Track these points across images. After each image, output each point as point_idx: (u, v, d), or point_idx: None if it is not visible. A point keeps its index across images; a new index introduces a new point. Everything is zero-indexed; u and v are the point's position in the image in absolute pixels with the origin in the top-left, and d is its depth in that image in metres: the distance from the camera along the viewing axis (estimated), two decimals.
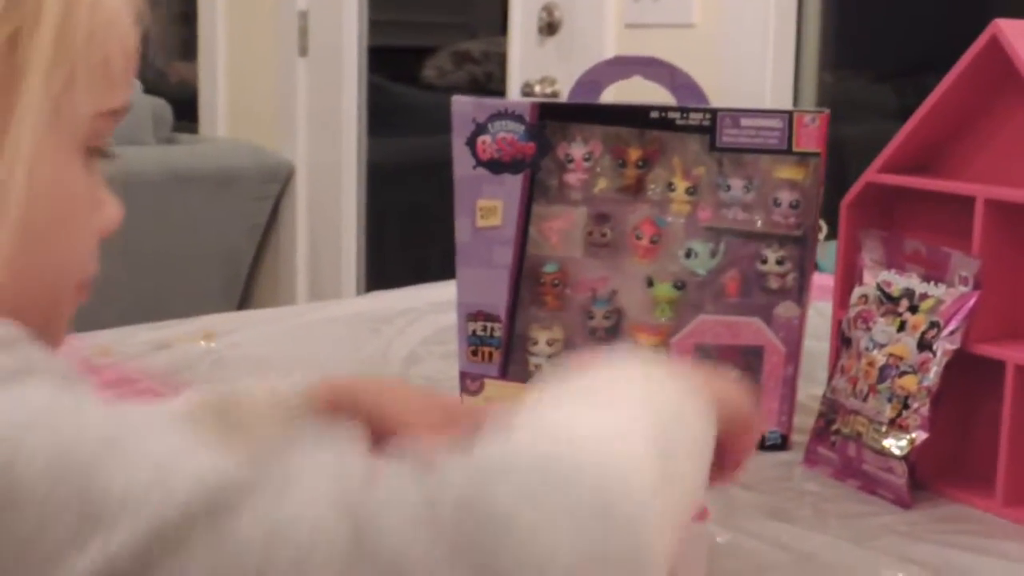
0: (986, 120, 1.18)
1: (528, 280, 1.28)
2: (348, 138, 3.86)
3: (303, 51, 3.93)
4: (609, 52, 3.06)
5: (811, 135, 1.21)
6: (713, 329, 1.25)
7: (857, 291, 1.20)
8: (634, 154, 1.24)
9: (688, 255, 1.24)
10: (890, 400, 1.13)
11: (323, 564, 0.57)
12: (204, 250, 3.81)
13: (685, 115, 1.23)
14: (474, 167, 1.26)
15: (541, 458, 0.60)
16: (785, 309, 1.24)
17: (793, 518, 1.09)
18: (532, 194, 1.26)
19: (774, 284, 1.24)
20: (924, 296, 1.14)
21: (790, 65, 3.22)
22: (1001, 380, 1.09)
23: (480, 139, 1.26)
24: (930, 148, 1.20)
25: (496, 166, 1.26)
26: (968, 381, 1.13)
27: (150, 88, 3.71)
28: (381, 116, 3.96)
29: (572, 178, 1.26)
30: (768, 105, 2.97)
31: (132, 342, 1.58)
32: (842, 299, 1.24)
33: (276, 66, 4.02)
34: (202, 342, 1.60)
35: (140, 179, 3.41)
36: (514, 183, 1.26)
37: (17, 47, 0.68)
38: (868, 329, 1.17)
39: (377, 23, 3.89)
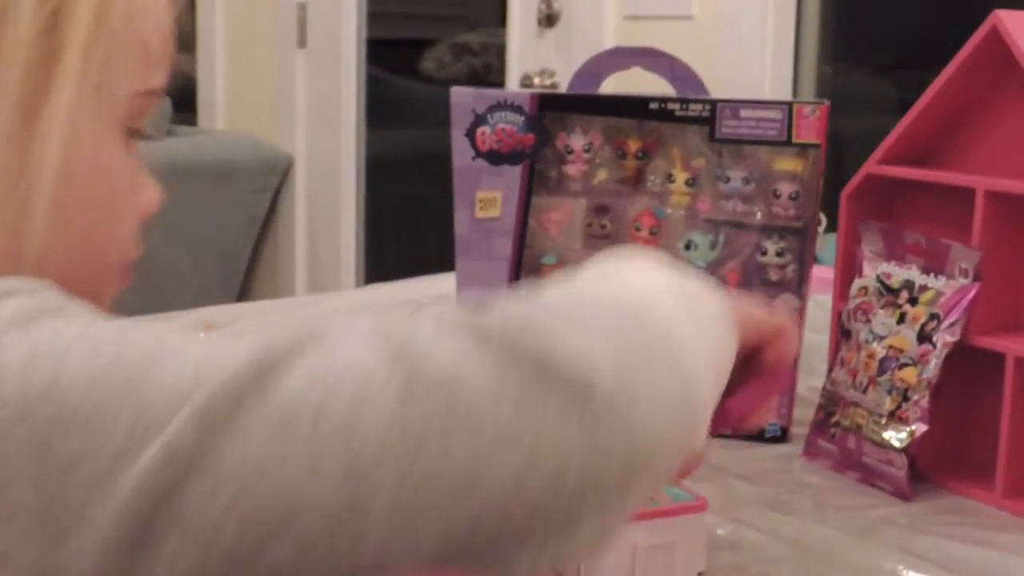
0: (986, 111, 1.17)
1: (527, 272, 1.27)
2: (347, 130, 3.86)
3: (302, 43, 3.92)
4: (608, 44, 3.06)
5: (811, 126, 1.21)
6: None
7: (857, 283, 1.19)
8: (633, 145, 1.24)
9: (688, 247, 1.24)
10: (890, 392, 1.12)
11: (377, 402, 0.58)
12: (203, 242, 3.81)
13: (685, 106, 1.23)
14: (473, 158, 1.26)
15: (572, 294, 0.66)
16: (785, 301, 1.24)
17: (793, 510, 1.09)
18: (531, 185, 1.26)
19: (774, 276, 1.24)
20: (924, 288, 1.13)
21: (789, 58, 3.22)
22: (1001, 372, 1.09)
23: (479, 130, 1.26)
24: (930, 139, 1.20)
25: (495, 157, 1.26)
26: (968, 373, 1.13)
27: None
28: (380, 108, 3.95)
29: (571, 169, 1.25)
30: (767, 98, 2.97)
31: None
32: (842, 291, 1.23)
33: (275, 58, 4.01)
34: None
35: None
36: (513, 174, 1.26)
37: (57, 26, 0.70)
38: (868, 321, 1.17)
39: (376, 15, 3.88)
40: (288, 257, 4.05)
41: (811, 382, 1.30)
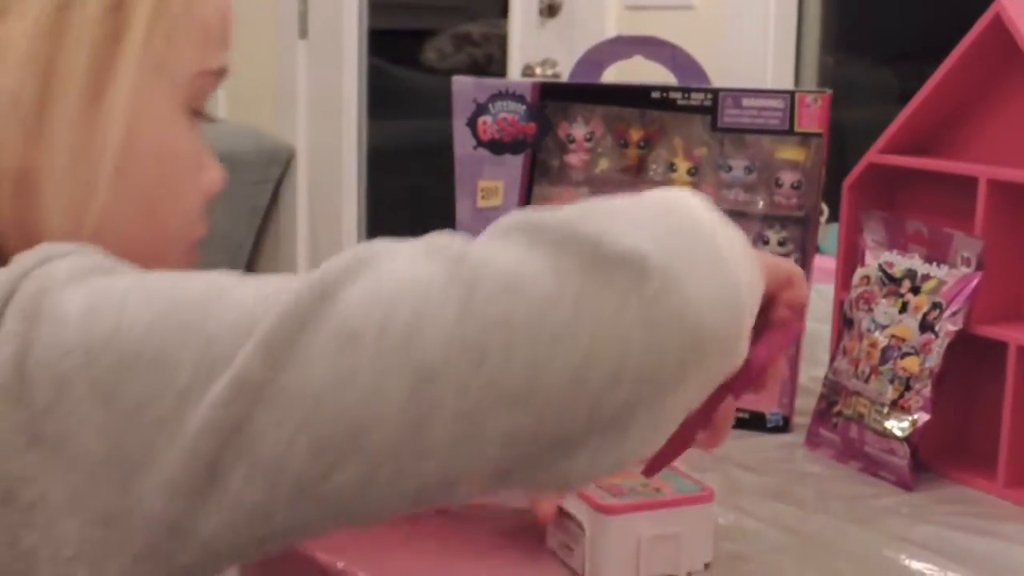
0: (989, 100, 1.17)
1: None
2: (348, 121, 3.85)
3: (303, 33, 3.92)
4: (610, 34, 3.05)
5: (813, 115, 1.21)
6: None
7: (859, 272, 1.19)
8: (635, 134, 1.24)
9: None
10: (892, 382, 1.12)
11: (438, 312, 0.59)
12: (205, 233, 3.80)
13: (686, 95, 1.22)
14: (475, 147, 1.26)
15: (621, 202, 0.66)
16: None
17: (795, 500, 1.09)
18: (533, 175, 1.26)
19: None
20: (926, 277, 1.13)
21: (791, 48, 3.22)
22: (1003, 361, 1.09)
23: (481, 119, 1.26)
24: (933, 128, 1.20)
25: (497, 146, 1.26)
26: (970, 362, 1.13)
27: None
28: (381, 99, 3.95)
29: (573, 159, 1.25)
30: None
31: None
32: (844, 280, 1.23)
33: (276, 49, 4.01)
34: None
35: None
36: (515, 163, 1.26)
37: (121, 5, 0.72)
38: (870, 310, 1.16)
39: (377, 5, 3.88)
40: (290, 248, 4.05)
41: (813, 372, 1.30)
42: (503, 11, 3.49)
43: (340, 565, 0.95)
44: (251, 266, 4.06)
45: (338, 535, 0.97)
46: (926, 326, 1.11)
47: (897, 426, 1.11)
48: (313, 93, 3.92)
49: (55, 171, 0.72)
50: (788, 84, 3.07)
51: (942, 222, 1.14)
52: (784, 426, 1.26)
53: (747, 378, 0.74)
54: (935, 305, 1.11)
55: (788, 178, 1.22)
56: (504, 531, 0.99)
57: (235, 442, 0.59)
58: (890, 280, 1.16)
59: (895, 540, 1.00)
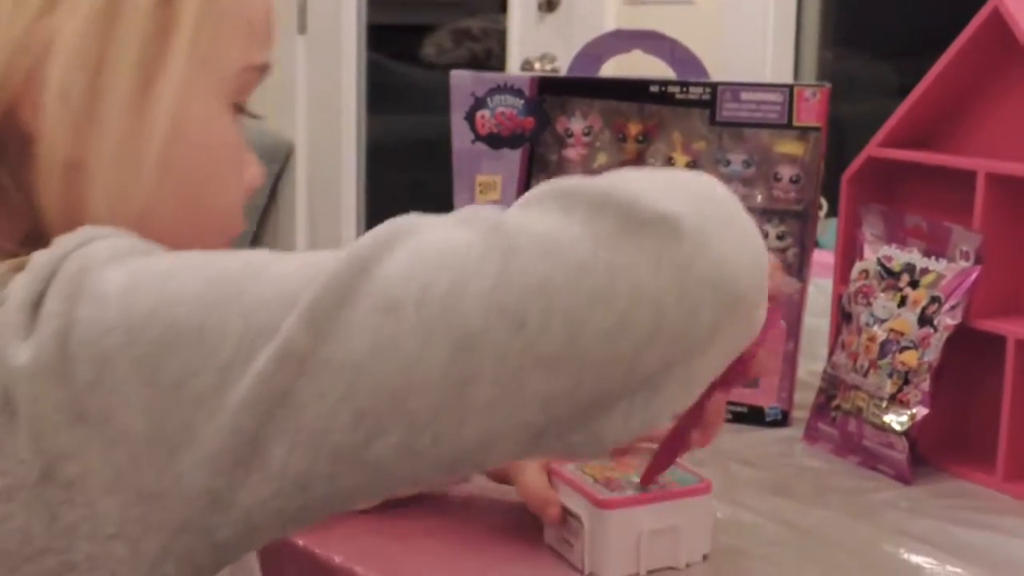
0: (988, 94, 1.17)
1: None
2: (347, 116, 3.85)
3: (302, 28, 3.91)
4: (609, 28, 3.04)
5: (812, 109, 1.21)
6: None
7: (858, 266, 1.19)
8: (634, 128, 1.24)
9: None
10: (891, 376, 1.12)
11: (477, 276, 0.60)
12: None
13: (685, 89, 1.22)
14: (473, 142, 1.26)
15: (645, 173, 0.68)
16: (786, 284, 1.23)
17: (794, 494, 1.09)
18: (531, 169, 1.26)
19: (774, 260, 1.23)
20: (925, 271, 1.13)
21: (790, 43, 3.21)
22: (1002, 355, 1.09)
23: (479, 114, 1.25)
24: (931, 122, 1.20)
25: (495, 141, 1.25)
26: (969, 356, 1.13)
27: None
28: (380, 94, 3.95)
29: (572, 153, 1.25)
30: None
31: None
32: (842, 274, 1.23)
33: (275, 44, 4.00)
34: None
35: None
36: (513, 158, 1.25)
37: (170, 1, 0.74)
38: (869, 304, 1.16)
39: (376, 0, 3.87)
40: (289, 243, 4.04)
41: (812, 366, 1.30)
42: (502, 6, 3.48)
43: (338, 560, 0.95)
44: None
45: (335, 531, 0.98)
46: (925, 320, 1.11)
47: (896, 420, 1.11)
48: (312, 88, 3.92)
49: (103, 163, 0.73)
50: (787, 79, 3.06)
51: (941, 216, 1.14)
52: (783, 420, 1.25)
53: (736, 371, 0.74)
54: (934, 299, 1.11)
55: (787, 172, 1.22)
56: (501, 526, 0.99)
57: (278, 414, 0.60)
58: (889, 274, 1.16)
59: (894, 534, 1.00)
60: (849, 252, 1.22)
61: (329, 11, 3.84)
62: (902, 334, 1.12)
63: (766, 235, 1.22)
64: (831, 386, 1.19)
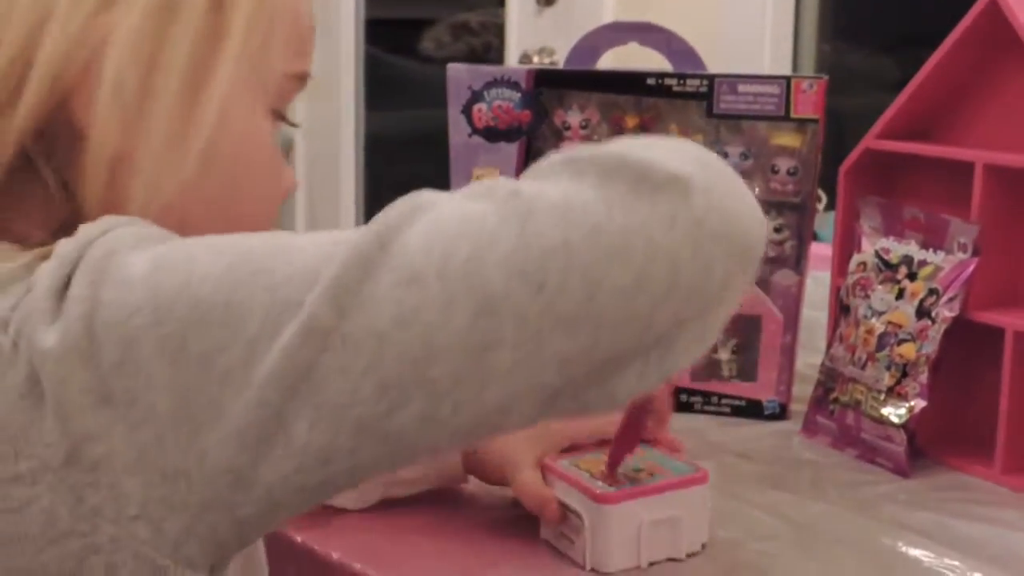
0: (985, 85, 1.17)
1: None
2: (346, 110, 3.84)
3: None
4: (607, 21, 3.05)
5: (809, 101, 1.20)
6: None
7: (855, 258, 1.19)
8: (631, 121, 1.23)
9: None
10: (889, 368, 1.12)
11: (496, 242, 0.61)
12: None
13: (682, 82, 1.22)
14: (470, 135, 1.26)
15: (648, 140, 0.69)
16: (783, 277, 1.23)
17: (792, 487, 1.08)
18: (528, 162, 1.24)
19: (772, 252, 1.23)
20: (923, 263, 1.13)
21: (789, 36, 3.21)
22: (1000, 347, 1.09)
23: (476, 107, 1.25)
24: (929, 114, 1.19)
25: (492, 134, 1.25)
26: (967, 348, 1.13)
27: None
28: (379, 88, 3.94)
29: (569, 146, 1.24)
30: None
31: None
32: (840, 266, 1.23)
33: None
34: None
35: None
36: (510, 151, 1.25)
37: (222, 5, 0.75)
38: (867, 297, 1.16)
39: None
40: None
41: (810, 359, 1.30)
42: (500, 0, 3.48)
43: (336, 556, 0.95)
44: None
45: (334, 528, 0.97)
46: (923, 312, 1.11)
47: (894, 413, 1.10)
48: (311, 82, 3.91)
49: (147, 159, 0.74)
50: (786, 72, 3.06)
51: (939, 208, 1.14)
52: (781, 413, 1.25)
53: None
54: (932, 291, 1.11)
55: (784, 164, 1.21)
56: (499, 523, 0.99)
57: (302, 389, 0.61)
58: (886, 266, 1.15)
59: (892, 527, 1.00)
60: (847, 244, 1.22)
61: (327, 5, 3.84)
62: (900, 326, 1.12)
63: None
64: (829, 379, 1.19)
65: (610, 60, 1.31)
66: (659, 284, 0.63)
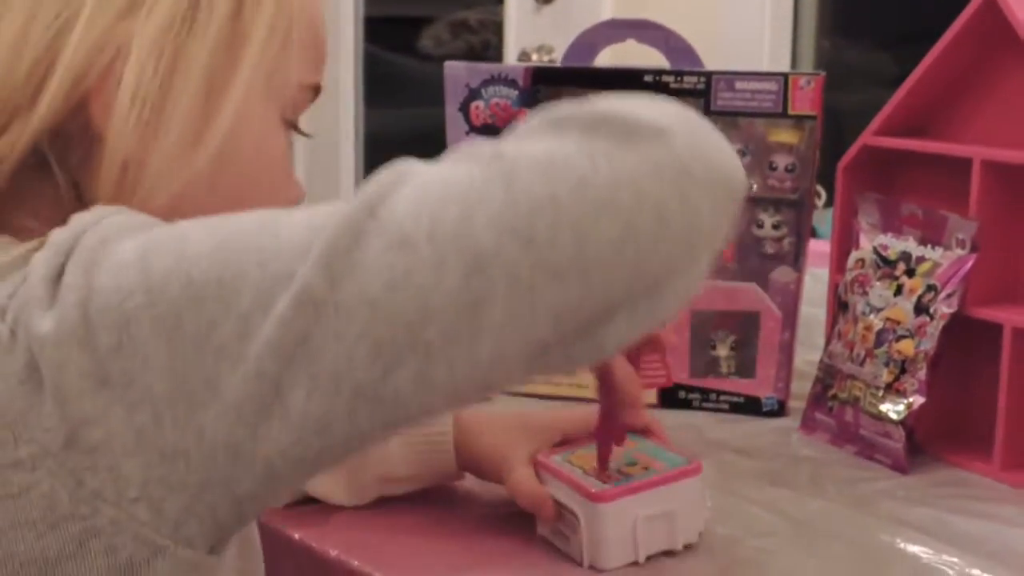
0: (983, 81, 1.16)
1: None
2: (345, 108, 3.85)
3: None
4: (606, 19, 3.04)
5: (807, 98, 1.20)
6: (709, 294, 1.24)
7: (854, 255, 1.19)
8: None
9: None
10: (887, 364, 1.12)
11: (484, 200, 0.62)
12: None
13: (679, 79, 1.22)
14: (467, 133, 1.26)
15: (626, 97, 0.70)
16: (781, 274, 1.23)
17: (790, 484, 1.08)
18: None
19: (770, 249, 1.23)
20: (921, 259, 1.13)
21: (788, 32, 3.21)
22: (999, 343, 1.09)
23: (473, 104, 1.25)
24: (927, 110, 1.19)
25: (490, 132, 1.25)
26: (965, 344, 1.12)
27: None
28: (378, 86, 3.94)
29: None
30: None
31: None
32: (839, 263, 1.23)
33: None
34: None
35: None
36: None
37: (241, 14, 0.77)
38: (865, 293, 1.16)
39: None
40: None
41: (809, 355, 1.30)
42: None
43: (334, 553, 0.95)
44: None
45: (331, 526, 0.97)
46: (921, 308, 1.11)
47: (892, 409, 1.10)
48: None
49: (160, 162, 0.75)
50: (785, 68, 3.06)
51: (937, 204, 1.14)
52: (779, 410, 1.25)
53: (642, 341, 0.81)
54: (930, 287, 1.11)
55: (782, 161, 1.21)
56: (495, 519, 0.99)
57: (298, 358, 0.62)
58: (885, 263, 1.15)
59: (890, 523, 1.00)
60: (845, 241, 1.22)
61: (326, 3, 3.83)
62: (898, 323, 1.12)
63: (761, 225, 1.22)
64: (828, 375, 1.18)
65: (608, 57, 1.31)
66: (648, 233, 0.64)
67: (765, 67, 2.98)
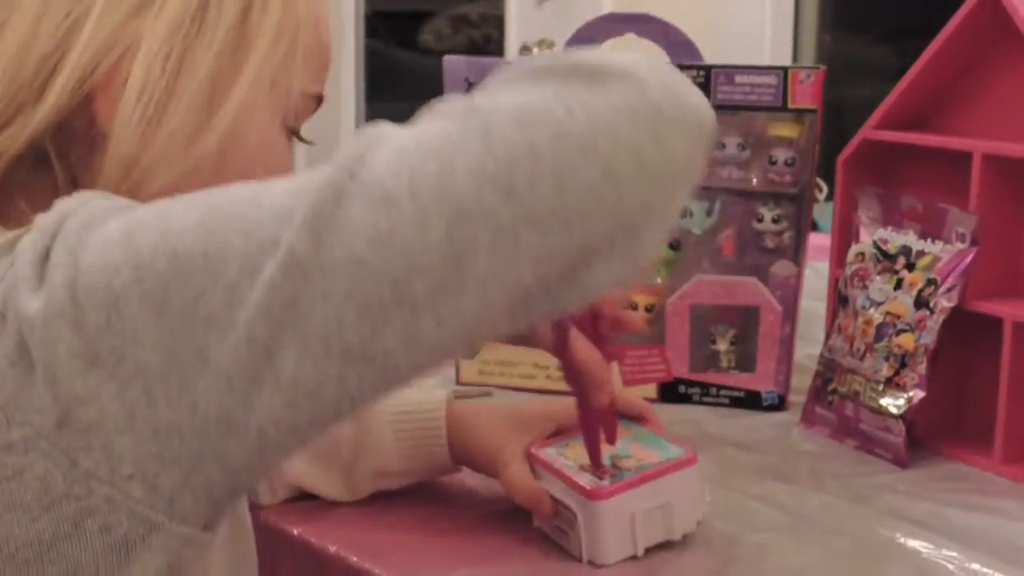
0: (983, 74, 1.16)
1: None
2: (346, 103, 3.84)
3: None
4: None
5: (807, 91, 1.20)
6: (709, 289, 1.24)
7: (853, 249, 1.18)
8: None
9: (683, 214, 1.23)
10: (887, 359, 1.12)
11: (462, 153, 0.63)
12: None
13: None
14: None
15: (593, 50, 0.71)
16: (781, 268, 1.23)
17: (790, 478, 1.08)
18: None
19: (770, 243, 1.23)
20: (921, 253, 1.12)
21: (789, 26, 3.20)
22: (999, 337, 1.08)
23: None
24: (927, 104, 1.19)
25: None
26: (965, 338, 1.12)
27: None
28: (379, 81, 3.94)
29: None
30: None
31: None
32: (839, 257, 1.22)
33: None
34: None
35: None
36: None
37: (248, 18, 0.78)
38: (865, 287, 1.16)
39: None
40: None
41: (809, 349, 1.30)
42: None
43: (332, 549, 0.95)
44: None
45: (330, 521, 0.97)
46: (921, 303, 1.11)
47: (892, 403, 1.10)
48: None
49: (162, 162, 0.76)
50: (786, 62, 3.06)
51: (937, 197, 1.14)
52: (779, 404, 1.25)
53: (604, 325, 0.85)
54: (930, 281, 1.11)
55: (782, 155, 1.21)
56: (492, 514, 0.99)
57: (287, 322, 0.63)
58: (885, 257, 1.15)
59: (890, 517, 1.00)
60: (845, 235, 1.22)
61: None
62: (898, 317, 1.12)
63: (761, 219, 1.22)
64: (828, 370, 1.18)
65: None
66: (626, 175, 0.65)
67: (767, 61, 2.98)
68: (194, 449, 0.65)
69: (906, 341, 1.11)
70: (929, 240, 1.12)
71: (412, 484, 1.01)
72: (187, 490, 0.66)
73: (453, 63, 1.26)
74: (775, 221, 1.22)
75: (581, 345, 0.88)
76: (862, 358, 1.14)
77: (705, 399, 1.26)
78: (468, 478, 1.03)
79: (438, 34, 4.39)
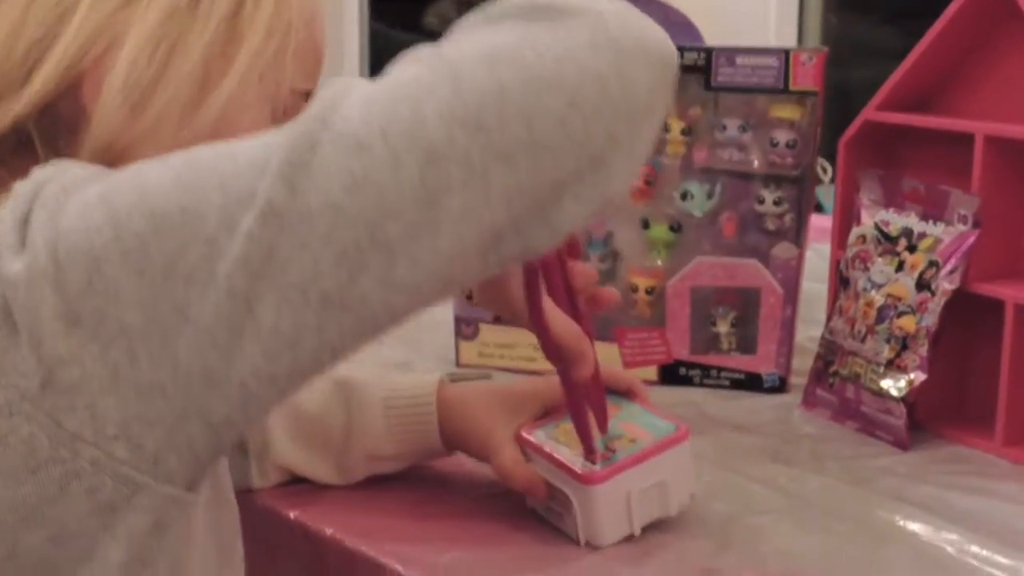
0: (985, 56, 1.16)
1: None
2: None
3: None
4: None
5: (808, 73, 1.19)
6: (710, 271, 1.24)
7: (855, 231, 1.18)
8: None
9: (684, 196, 1.23)
10: (888, 341, 1.11)
11: (432, 94, 0.64)
12: None
13: (679, 54, 1.21)
14: None
15: None
16: (783, 250, 1.23)
17: (791, 461, 1.08)
18: None
19: (771, 225, 1.22)
20: (922, 235, 1.12)
21: (794, 7, 3.20)
22: (1001, 319, 1.08)
23: None
24: (929, 85, 1.19)
25: None
26: (967, 321, 1.12)
27: None
28: (384, 64, 3.93)
29: None
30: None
31: None
32: (840, 239, 1.22)
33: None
34: None
35: None
36: None
37: (240, 12, 0.79)
38: (866, 269, 1.15)
39: None
40: None
41: (810, 331, 1.29)
42: None
43: (329, 532, 0.94)
44: None
45: (326, 505, 0.97)
46: (922, 285, 1.10)
47: (893, 386, 1.10)
48: None
49: (147, 148, 0.76)
50: (791, 43, 3.05)
51: (939, 179, 1.13)
52: (780, 386, 1.25)
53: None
54: (932, 263, 1.10)
55: (783, 137, 1.20)
56: (487, 497, 0.99)
57: (266, 272, 0.63)
58: (886, 239, 1.15)
59: (891, 500, 1.00)
60: (847, 217, 1.21)
61: None
62: (900, 299, 1.12)
63: (762, 200, 1.21)
64: (829, 352, 1.18)
65: None
66: (591, 104, 0.66)
67: (772, 42, 2.97)
68: (177, 406, 0.66)
69: (907, 323, 1.10)
70: (931, 222, 1.12)
71: (408, 468, 1.01)
72: (171, 448, 0.66)
73: None
74: (776, 203, 1.22)
75: (558, 319, 0.87)
76: (863, 340, 1.14)
77: (706, 381, 1.26)
78: (464, 461, 1.02)
79: (442, 17, 4.38)
